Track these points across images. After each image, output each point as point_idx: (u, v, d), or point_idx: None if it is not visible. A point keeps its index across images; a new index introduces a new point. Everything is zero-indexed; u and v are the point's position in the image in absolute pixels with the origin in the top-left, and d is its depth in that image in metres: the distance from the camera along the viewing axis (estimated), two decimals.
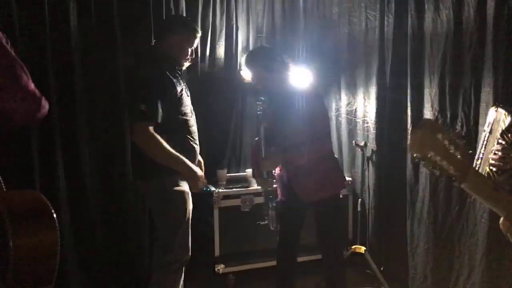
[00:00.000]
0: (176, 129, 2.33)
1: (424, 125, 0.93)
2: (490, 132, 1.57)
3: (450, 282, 2.76)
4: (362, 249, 3.23)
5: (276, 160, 2.48)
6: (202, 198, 3.27)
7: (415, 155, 0.90)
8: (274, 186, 2.57)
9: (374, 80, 3.28)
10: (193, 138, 2.44)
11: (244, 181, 3.34)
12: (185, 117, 2.38)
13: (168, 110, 2.25)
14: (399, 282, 3.08)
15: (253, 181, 3.26)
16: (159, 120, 2.20)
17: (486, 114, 2.48)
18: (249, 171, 3.32)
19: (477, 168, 1.59)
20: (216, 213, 3.15)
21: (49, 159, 2.70)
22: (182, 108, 2.36)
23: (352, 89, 3.54)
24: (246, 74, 3.23)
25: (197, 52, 3.23)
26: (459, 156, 0.89)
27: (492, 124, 1.57)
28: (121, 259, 3.00)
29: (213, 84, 3.44)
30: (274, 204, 2.50)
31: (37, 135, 2.66)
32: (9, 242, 1.08)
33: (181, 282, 2.46)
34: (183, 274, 2.46)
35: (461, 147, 0.89)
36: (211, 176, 3.35)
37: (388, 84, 3.19)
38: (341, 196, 2.66)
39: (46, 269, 1.14)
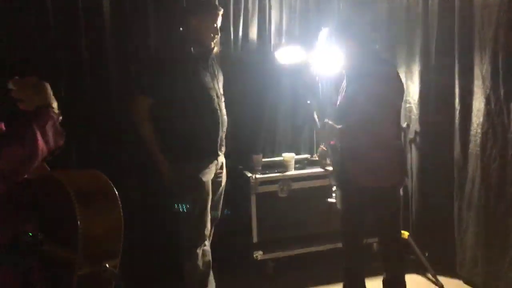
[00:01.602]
0: (182, 110, 2.42)
1: None
2: None
3: (503, 269, 2.63)
4: (406, 234, 3.11)
5: (332, 133, 2.36)
6: (239, 184, 3.22)
7: None
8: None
9: (417, 59, 3.12)
10: (204, 122, 2.45)
11: (281, 166, 3.24)
12: (198, 99, 2.40)
13: (176, 89, 2.37)
14: (446, 268, 2.96)
15: (290, 165, 3.19)
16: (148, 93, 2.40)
17: None
18: (285, 155, 3.23)
19: None
20: (253, 199, 3.08)
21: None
22: (196, 89, 2.40)
23: None
24: (281, 55, 3.15)
25: (229, 33, 3.14)
26: None
27: None
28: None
29: (247, 67, 3.34)
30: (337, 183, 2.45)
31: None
32: (77, 222, 1.11)
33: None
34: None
35: None
36: (247, 162, 3.28)
37: (433, 62, 3.03)
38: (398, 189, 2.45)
39: (113, 244, 1.20)
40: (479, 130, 2.71)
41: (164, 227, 2.93)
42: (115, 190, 1.25)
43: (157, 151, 2.48)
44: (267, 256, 3.09)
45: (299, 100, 3.48)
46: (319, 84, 3.31)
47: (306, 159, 3.46)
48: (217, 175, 2.66)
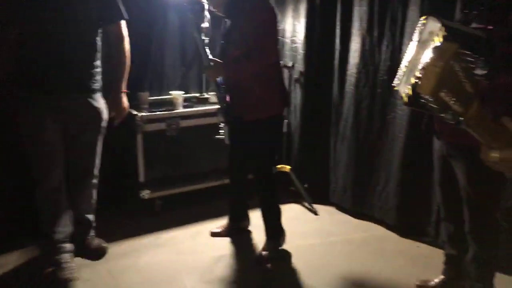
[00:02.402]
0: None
1: (445, 53, 0.76)
2: (420, 42, 1.57)
3: (367, 193, 2.99)
4: (287, 168, 3.33)
5: (218, 70, 2.32)
6: (124, 122, 3.06)
7: (426, 96, 0.76)
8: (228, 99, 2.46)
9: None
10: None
11: (169, 104, 3.15)
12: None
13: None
14: (321, 197, 3.26)
15: (178, 104, 3.12)
16: None
17: (410, 34, 2.56)
18: (173, 93, 3.14)
19: (399, 76, 1.62)
20: (139, 137, 2.97)
21: None
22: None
23: (280, 7, 3.40)
24: None
25: None
26: (467, 86, 0.76)
27: (421, 34, 1.57)
28: None
29: (131, 1, 3.07)
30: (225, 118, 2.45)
31: None
32: None
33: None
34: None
35: (471, 73, 0.76)
36: (132, 100, 3.11)
37: (318, 2, 3.11)
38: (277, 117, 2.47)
39: None
40: (354, 70, 2.91)
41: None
42: None
43: None
44: (155, 194, 3.07)
45: (189, 36, 3.36)
46: (208, 18, 3.20)
47: (195, 97, 3.42)
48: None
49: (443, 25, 1.44)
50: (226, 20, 2.42)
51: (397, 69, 2.69)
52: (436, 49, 0.77)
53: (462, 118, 0.77)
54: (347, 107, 3.01)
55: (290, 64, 3.26)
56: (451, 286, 2.19)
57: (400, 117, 2.69)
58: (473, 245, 1.95)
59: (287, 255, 2.57)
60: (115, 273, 2.40)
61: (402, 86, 1.56)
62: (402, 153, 2.71)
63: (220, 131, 2.55)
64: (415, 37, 1.62)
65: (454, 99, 0.74)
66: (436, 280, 2.23)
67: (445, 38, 1.30)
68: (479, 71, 0.76)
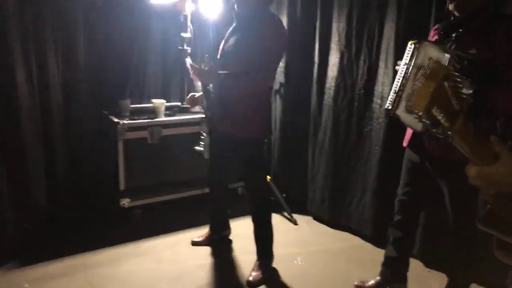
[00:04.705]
0: None
1: (437, 74, 0.83)
2: (417, 67, 1.67)
3: (344, 204, 3.07)
4: (267, 178, 3.38)
5: (213, 76, 2.25)
6: (105, 130, 3.07)
7: (420, 113, 0.84)
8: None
9: (285, 10, 3.26)
10: None
11: (150, 112, 3.17)
12: None
13: None
14: (300, 206, 3.33)
15: (160, 112, 3.14)
16: None
17: (386, 50, 2.68)
18: (155, 101, 3.16)
19: (394, 99, 1.72)
20: (120, 145, 2.97)
21: None
22: None
23: None
24: None
25: None
26: (454, 103, 0.84)
27: (415, 58, 1.68)
28: None
29: (114, 6, 3.10)
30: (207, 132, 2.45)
31: None
32: None
33: None
34: None
35: (459, 92, 0.84)
36: (113, 107, 3.12)
37: (299, 15, 3.20)
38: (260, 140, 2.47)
39: None
40: (333, 84, 3.01)
41: None
42: None
43: None
44: (134, 203, 3.06)
45: (170, 45, 3.39)
46: (192, 30, 3.25)
47: (176, 106, 3.44)
48: None
49: (445, 51, 1.56)
50: (233, 26, 2.36)
51: (374, 84, 2.82)
52: (430, 71, 0.85)
53: (450, 132, 0.85)
54: (325, 119, 3.10)
55: None
56: None
57: (376, 130, 2.79)
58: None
59: (275, 273, 2.55)
60: (94, 282, 2.38)
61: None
62: (378, 165, 2.81)
63: (201, 142, 2.56)
64: (405, 59, 1.72)
65: (442, 114, 0.82)
66: (373, 282, 2.36)
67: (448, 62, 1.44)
68: (465, 90, 0.86)
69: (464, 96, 0.83)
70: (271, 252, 2.56)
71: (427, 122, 0.85)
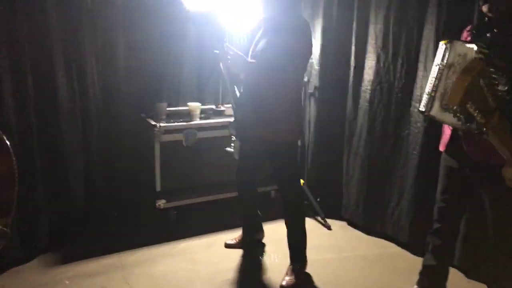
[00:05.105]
0: None
1: (473, 68, 0.82)
2: (448, 67, 1.62)
3: (380, 209, 3.00)
4: (301, 182, 3.36)
5: (237, 64, 2.28)
6: (142, 132, 3.15)
7: (455, 107, 0.82)
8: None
9: (321, 12, 3.23)
10: None
11: (185, 115, 3.22)
12: None
13: None
14: (334, 211, 3.28)
15: (195, 115, 3.19)
16: None
17: (425, 52, 2.60)
18: (191, 105, 3.21)
19: (429, 99, 1.66)
20: (157, 147, 3.04)
21: None
22: None
23: None
24: (189, 1, 3.03)
25: None
26: (490, 100, 0.82)
27: (447, 58, 1.61)
28: None
29: (152, 12, 3.18)
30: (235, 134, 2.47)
31: None
32: None
33: None
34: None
35: (494, 89, 0.82)
36: (150, 110, 3.20)
37: (334, 17, 3.17)
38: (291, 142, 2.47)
39: (4, 199, 1.03)
40: (369, 87, 2.95)
41: None
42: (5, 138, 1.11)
43: None
44: (170, 204, 3.12)
45: (206, 49, 3.43)
46: (227, 34, 3.28)
47: (211, 109, 3.48)
48: None
49: (477, 45, 1.49)
50: (261, 30, 2.38)
51: (412, 87, 2.74)
52: (465, 66, 0.83)
53: (485, 129, 0.81)
54: (360, 123, 3.04)
55: (305, 79, 3.31)
56: None
57: (414, 134, 2.72)
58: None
59: (309, 278, 2.53)
60: (130, 280, 2.45)
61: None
62: (415, 170, 2.73)
63: (232, 144, 2.59)
64: (437, 60, 1.66)
65: (478, 110, 0.80)
66: None
67: (479, 57, 1.36)
68: (501, 87, 0.82)
69: (500, 93, 0.80)
70: (304, 257, 2.54)
71: (462, 116, 0.82)
